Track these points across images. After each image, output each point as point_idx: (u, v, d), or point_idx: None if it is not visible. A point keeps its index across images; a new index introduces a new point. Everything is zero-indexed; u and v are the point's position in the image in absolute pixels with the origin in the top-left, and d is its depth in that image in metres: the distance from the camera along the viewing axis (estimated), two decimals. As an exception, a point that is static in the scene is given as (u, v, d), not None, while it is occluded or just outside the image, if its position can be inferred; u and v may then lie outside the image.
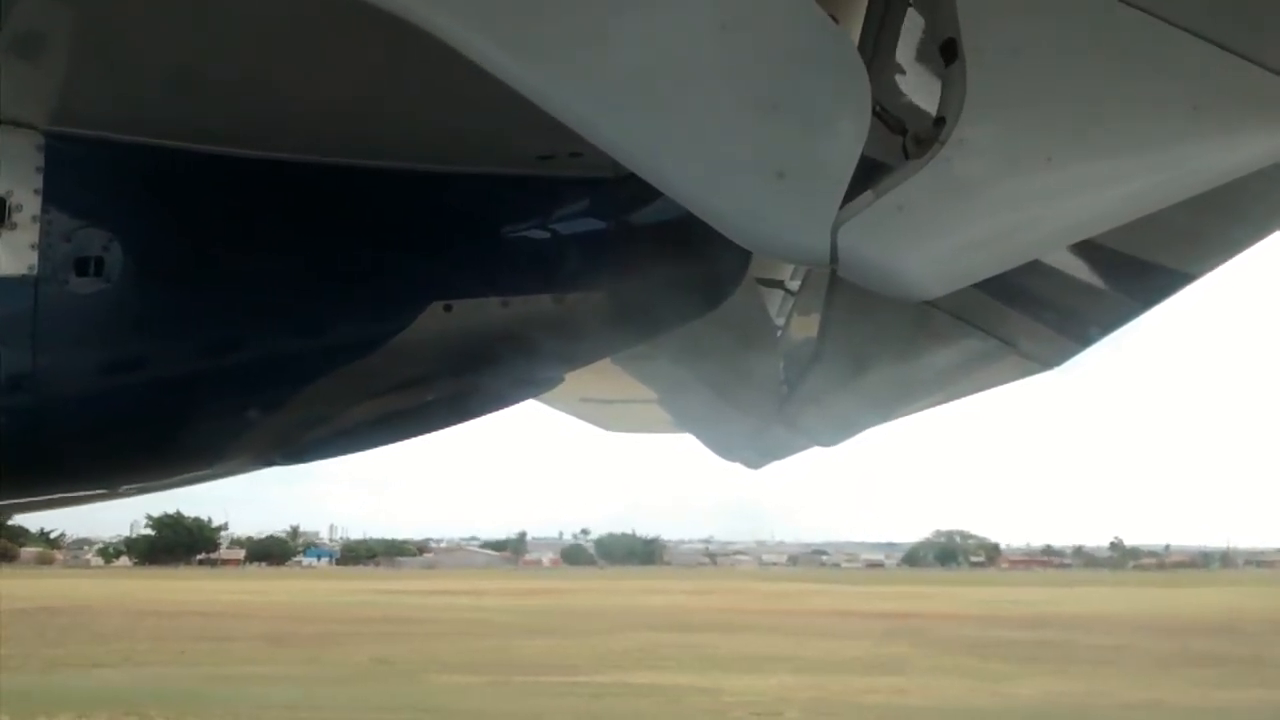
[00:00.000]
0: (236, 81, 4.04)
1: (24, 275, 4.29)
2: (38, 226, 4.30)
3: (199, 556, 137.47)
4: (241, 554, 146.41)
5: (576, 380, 6.38)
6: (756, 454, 9.25)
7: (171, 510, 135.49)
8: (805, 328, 6.65)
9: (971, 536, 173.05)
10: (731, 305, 5.23)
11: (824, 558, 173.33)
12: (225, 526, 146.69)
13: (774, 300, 6.94)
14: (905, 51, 3.39)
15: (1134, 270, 4.31)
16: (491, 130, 4.30)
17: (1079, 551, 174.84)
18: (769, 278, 6.47)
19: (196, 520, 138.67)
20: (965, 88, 2.69)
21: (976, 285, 3.39)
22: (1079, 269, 4.56)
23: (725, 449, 9.49)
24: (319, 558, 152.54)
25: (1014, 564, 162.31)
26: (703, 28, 2.69)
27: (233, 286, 4.65)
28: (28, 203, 4.29)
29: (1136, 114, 2.80)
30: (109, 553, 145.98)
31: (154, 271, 4.54)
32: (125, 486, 5.39)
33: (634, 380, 7.73)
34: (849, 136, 2.73)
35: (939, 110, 2.79)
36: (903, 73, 3.42)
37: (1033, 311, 5.16)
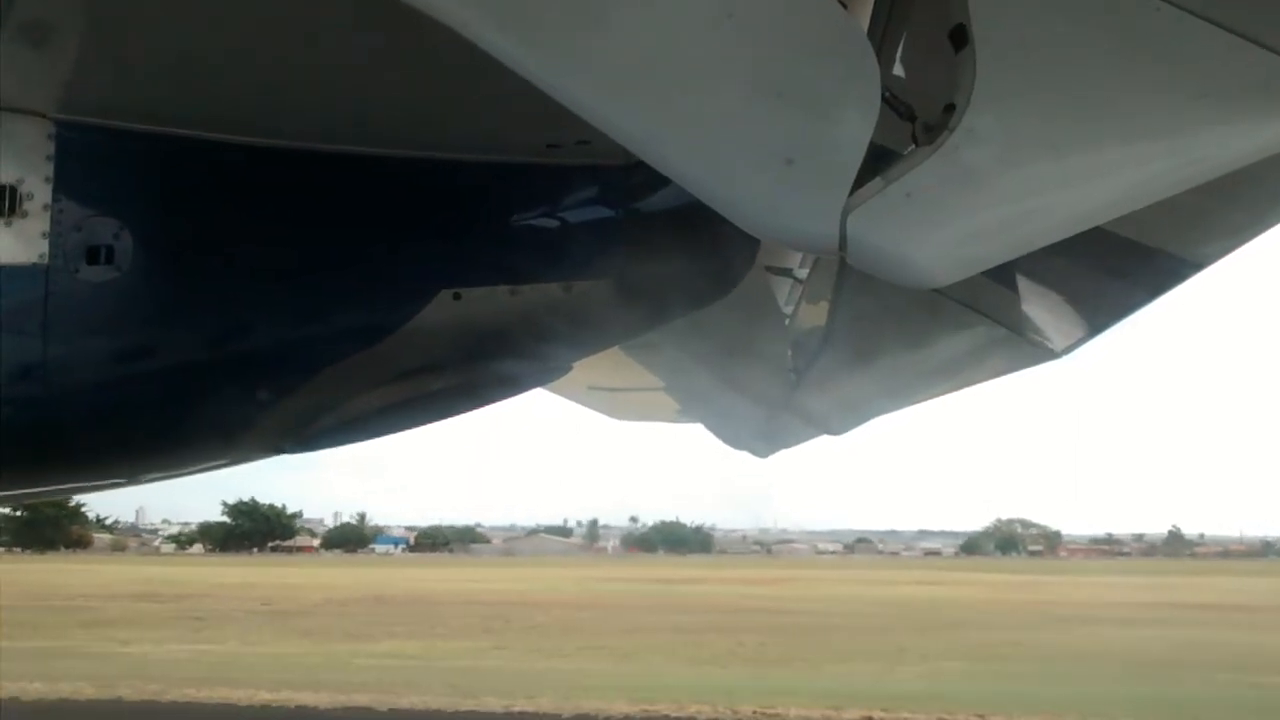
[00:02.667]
0: (247, 70, 4.05)
1: (35, 264, 4.31)
2: (48, 215, 4.32)
3: (271, 544, 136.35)
4: (315, 541, 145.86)
5: (584, 368, 6.40)
6: (764, 442, 9.25)
7: (245, 497, 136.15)
8: (814, 315, 6.65)
9: (1032, 525, 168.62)
10: (740, 293, 5.24)
11: (880, 546, 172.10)
12: (300, 514, 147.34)
13: (782, 288, 6.94)
14: (914, 38, 3.38)
15: (1142, 258, 4.30)
16: (500, 118, 4.31)
17: (1140, 539, 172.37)
18: (777, 265, 6.47)
19: (271, 507, 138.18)
20: (975, 75, 2.68)
21: (985, 273, 3.38)
22: (1087, 257, 4.54)
23: (733, 437, 9.49)
24: (395, 545, 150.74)
25: (1073, 552, 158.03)
26: (711, 14, 2.68)
27: (243, 275, 4.67)
28: (38, 191, 4.31)
29: (1145, 101, 2.78)
30: (181, 540, 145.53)
31: (164, 260, 4.56)
32: (135, 474, 5.42)
33: (642, 368, 7.75)
34: (858, 123, 2.72)
35: (948, 97, 2.78)
36: (912, 59, 3.41)
37: (1041, 299, 5.15)
